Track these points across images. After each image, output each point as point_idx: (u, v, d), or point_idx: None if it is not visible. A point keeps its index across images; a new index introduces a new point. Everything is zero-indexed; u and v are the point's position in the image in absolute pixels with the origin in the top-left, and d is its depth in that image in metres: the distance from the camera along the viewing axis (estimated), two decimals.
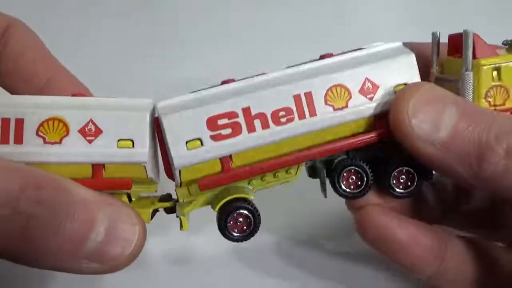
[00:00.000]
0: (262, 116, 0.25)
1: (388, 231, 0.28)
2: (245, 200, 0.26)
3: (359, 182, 0.27)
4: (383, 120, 0.26)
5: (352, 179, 0.27)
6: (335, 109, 0.25)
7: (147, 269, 0.36)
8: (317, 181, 0.29)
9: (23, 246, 0.20)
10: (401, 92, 0.25)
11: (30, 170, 0.21)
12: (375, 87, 0.26)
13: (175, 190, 0.26)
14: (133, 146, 0.23)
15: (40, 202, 0.20)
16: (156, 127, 0.24)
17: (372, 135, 0.26)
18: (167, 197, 0.27)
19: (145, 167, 0.24)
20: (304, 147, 0.26)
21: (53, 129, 0.23)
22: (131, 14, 0.46)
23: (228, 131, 0.24)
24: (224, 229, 0.25)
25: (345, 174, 0.27)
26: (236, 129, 0.24)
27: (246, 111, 0.24)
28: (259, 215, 0.26)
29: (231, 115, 0.24)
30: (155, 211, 0.26)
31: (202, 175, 0.25)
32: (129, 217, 0.23)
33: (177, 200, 0.26)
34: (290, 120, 0.25)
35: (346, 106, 0.25)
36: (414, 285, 0.36)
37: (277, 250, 0.38)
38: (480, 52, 0.26)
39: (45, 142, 0.23)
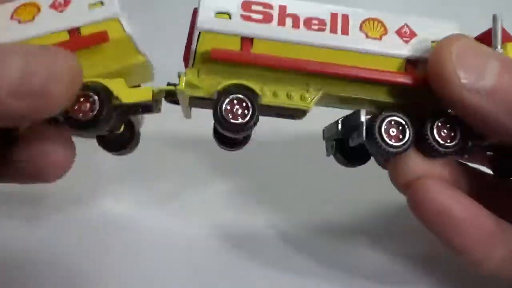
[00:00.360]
0: (295, 17, 0.25)
1: (447, 208, 0.25)
2: (253, 92, 0.25)
3: (401, 136, 0.25)
4: (414, 66, 0.25)
5: (393, 132, 0.25)
6: (367, 37, 0.25)
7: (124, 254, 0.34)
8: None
9: None
10: (443, 41, 0.24)
11: None
12: (413, 34, 0.26)
13: (184, 72, 0.25)
14: (102, 5, 0.24)
15: None
16: (193, 18, 0.25)
17: (403, 76, 0.25)
18: (173, 85, 0.26)
19: (119, 19, 0.24)
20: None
21: (25, 11, 0.24)
22: (131, 14, 0.46)
23: (259, 16, 0.25)
24: (218, 110, 0.24)
25: (385, 126, 0.25)
26: (267, 18, 0.25)
27: (282, 8, 0.25)
28: (258, 112, 0.24)
29: (267, 5, 0.25)
30: (159, 98, 0.26)
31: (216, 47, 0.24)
32: (50, 49, 0.22)
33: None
34: (321, 30, 0.25)
35: (380, 39, 0.25)
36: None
37: (281, 238, 0.35)
38: (506, 39, 0.26)
39: (19, 22, 0.24)
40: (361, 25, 0.25)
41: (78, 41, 0.24)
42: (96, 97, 0.24)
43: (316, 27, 0.25)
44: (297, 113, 0.26)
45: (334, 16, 0.25)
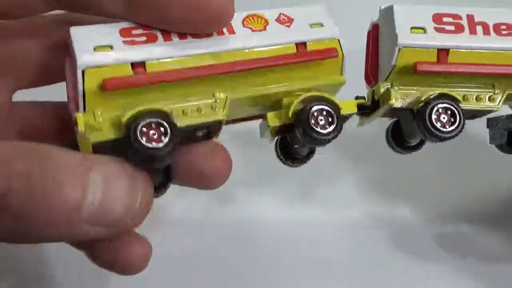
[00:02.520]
0: (484, 25, 0.26)
1: None
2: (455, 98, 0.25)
3: None
4: None
5: None
6: None
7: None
8: None
9: (16, 224, 0.19)
10: None
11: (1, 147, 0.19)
12: None
13: (376, 87, 0.26)
14: (322, 26, 0.25)
15: (15, 177, 0.19)
16: (374, 33, 0.27)
17: None
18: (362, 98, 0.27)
19: (339, 40, 0.25)
20: None
21: (255, 21, 0.24)
22: None
23: (451, 28, 0.25)
24: (429, 122, 0.25)
25: None
26: (458, 29, 0.25)
27: (470, 17, 0.26)
28: (464, 117, 0.25)
29: (456, 16, 0.26)
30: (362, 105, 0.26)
31: (417, 60, 0.25)
32: (126, 173, 0.21)
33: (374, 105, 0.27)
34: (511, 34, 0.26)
35: None
36: None
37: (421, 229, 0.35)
38: None
39: (252, 30, 0.24)
40: None
41: (306, 54, 0.24)
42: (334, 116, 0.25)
43: (506, 32, 0.26)
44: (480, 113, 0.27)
45: None
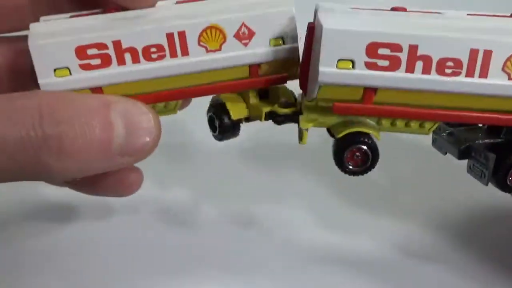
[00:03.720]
0: (426, 59, 0.23)
1: None
2: (369, 135, 0.25)
3: None
4: None
5: None
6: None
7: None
8: None
9: (65, 161, 0.23)
10: None
11: (43, 98, 0.23)
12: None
13: (302, 102, 0.26)
14: (283, 43, 0.25)
15: (60, 122, 0.22)
16: (310, 33, 0.24)
17: None
18: (290, 104, 0.27)
19: (298, 62, 0.25)
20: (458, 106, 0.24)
21: (213, 38, 0.24)
22: None
23: (384, 63, 0.23)
24: (340, 159, 0.26)
25: None
26: (394, 64, 0.23)
27: (413, 49, 0.22)
28: (378, 154, 0.25)
29: (395, 48, 0.22)
30: (275, 115, 0.27)
31: (340, 98, 0.24)
32: (139, 108, 0.24)
33: (300, 113, 0.26)
34: (456, 74, 0.23)
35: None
36: None
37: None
38: None
39: (207, 51, 0.24)
40: (504, 64, 0.22)
41: (257, 81, 0.26)
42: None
43: (450, 70, 0.23)
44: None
45: (473, 54, 0.22)
